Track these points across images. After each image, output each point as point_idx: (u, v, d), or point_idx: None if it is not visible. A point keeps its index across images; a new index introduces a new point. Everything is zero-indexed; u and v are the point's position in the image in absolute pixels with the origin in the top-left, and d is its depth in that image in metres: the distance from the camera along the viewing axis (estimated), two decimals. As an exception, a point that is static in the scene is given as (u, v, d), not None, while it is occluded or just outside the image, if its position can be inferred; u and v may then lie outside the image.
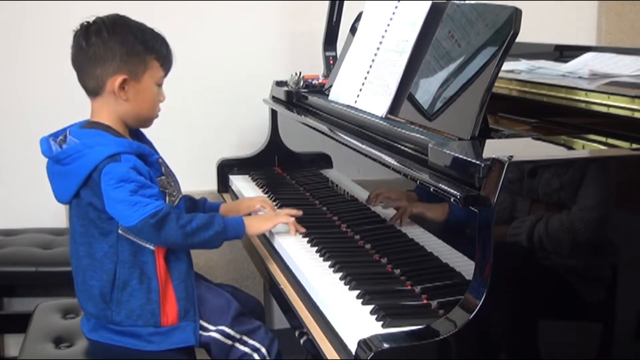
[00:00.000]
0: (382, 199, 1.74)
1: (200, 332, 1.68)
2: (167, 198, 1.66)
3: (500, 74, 1.53)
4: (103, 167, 1.56)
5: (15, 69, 2.56)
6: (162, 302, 1.64)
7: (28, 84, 2.57)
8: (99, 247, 1.63)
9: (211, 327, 1.69)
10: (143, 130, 1.78)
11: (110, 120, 1.66)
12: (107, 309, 1.64)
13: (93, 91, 1.66)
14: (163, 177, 1.67)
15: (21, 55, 2.56)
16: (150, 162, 1.65)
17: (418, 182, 1.43)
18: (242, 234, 1.72)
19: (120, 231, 1.61)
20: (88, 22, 1.64)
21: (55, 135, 1.68)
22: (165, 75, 1.71)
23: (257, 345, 1.71)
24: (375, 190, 1.77)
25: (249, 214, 1.96)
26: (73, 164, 1.59)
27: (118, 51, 1.61)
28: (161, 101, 1.73)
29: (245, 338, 1.71)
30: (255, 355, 1.69)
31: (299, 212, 1.87)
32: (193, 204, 1.94)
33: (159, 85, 1.70)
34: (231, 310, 1.72)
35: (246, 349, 1.70)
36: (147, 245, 1.63)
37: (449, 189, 1.30)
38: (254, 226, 1.77)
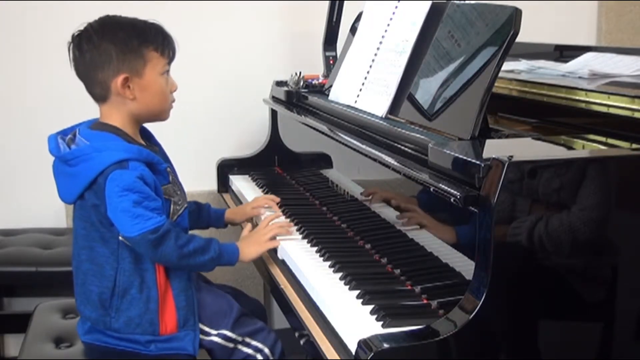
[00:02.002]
0: (376, 199, 1.74)
1: (201, 336, 1.67)
2: (172, 206, 1.65)
3: (500, 74, 1.53)
4: (109, 172, 1.54)
5: (16, 69, 2.56)
6: (161, 311, 1.62)
7: (29, 85, 2.57)
8: (100, 252, 1.62)
9: (212, 332, 1.68)
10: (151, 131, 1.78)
11: (121, 122, 1.64)
12: (106, 315, 1.63)
13: (100, 97, 1.64)
14: (169, 185, 1.65)
15: (23, 54, 2.56)
16: (158, 170, 1.63)
17: (418, 182, 1.43)
18: (234, 262, 1.70)
19: (120, 238, 1.60)
20: (79, 31, 1.62)
21: (64, 133, 1.67)
22: (170, 62, 1.68)
23: (260, 345, 1.70)
24: (371, 190, 1.77)
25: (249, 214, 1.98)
26: (80, 166, 1.57)
27: (113, 51, 1.59)
28: (173, 91, 1.70)
29: (247, 340, 1.70)
30: (259, 356, 1.69)
31: (279, 216, 1.90)
32: (198, 208, 1.93)
33: (165, 74, 1.66)
34: (233, 312, 1.71)
35: (249, 351, 1.69)
36: None
37: (449, 189, 1.30)
38: (246, 254, 1.73)
